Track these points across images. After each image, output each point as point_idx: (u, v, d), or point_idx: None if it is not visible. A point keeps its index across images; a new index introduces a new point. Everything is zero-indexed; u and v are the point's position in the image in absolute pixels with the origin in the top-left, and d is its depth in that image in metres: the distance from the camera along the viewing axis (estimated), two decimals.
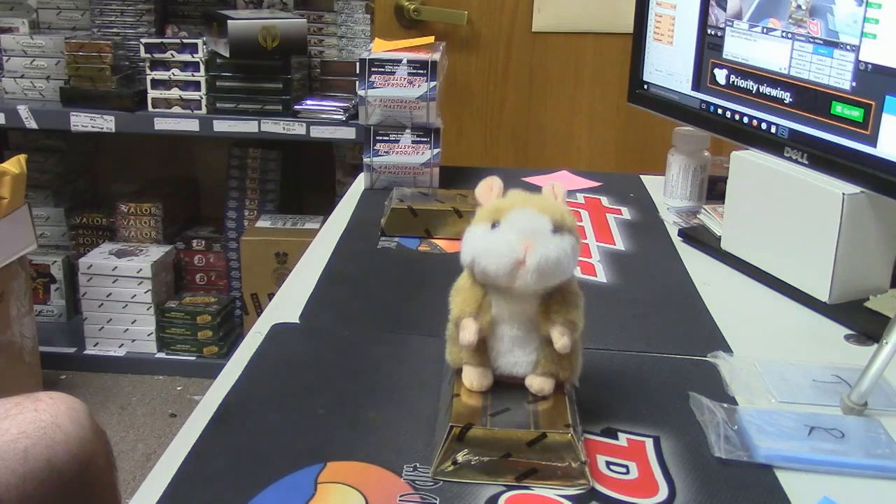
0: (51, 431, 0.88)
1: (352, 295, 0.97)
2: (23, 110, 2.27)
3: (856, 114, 0.90)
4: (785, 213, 0.98)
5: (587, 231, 1.17)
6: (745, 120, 1.06)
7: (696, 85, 1.14)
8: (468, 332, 0.66)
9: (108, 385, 2.41)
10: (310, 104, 2.26)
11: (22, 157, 1.91)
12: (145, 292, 2.40)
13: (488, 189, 0.68)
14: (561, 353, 0.66)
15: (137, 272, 2.38)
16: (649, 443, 0.69)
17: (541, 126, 2.00)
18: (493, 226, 0.65)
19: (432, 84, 1.24)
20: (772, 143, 1.02)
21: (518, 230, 0.64)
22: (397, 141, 1.27)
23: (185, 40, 2.27)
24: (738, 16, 1.05)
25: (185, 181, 2.71)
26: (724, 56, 1.08)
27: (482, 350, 0.68)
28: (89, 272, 2.39)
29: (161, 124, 2.27)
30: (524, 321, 0.68)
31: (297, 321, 0.89)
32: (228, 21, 2.14)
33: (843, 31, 0.90)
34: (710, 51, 1.11)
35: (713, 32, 1.10)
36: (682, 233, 1.16)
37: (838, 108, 0.92)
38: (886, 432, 0.71)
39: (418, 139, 1.27)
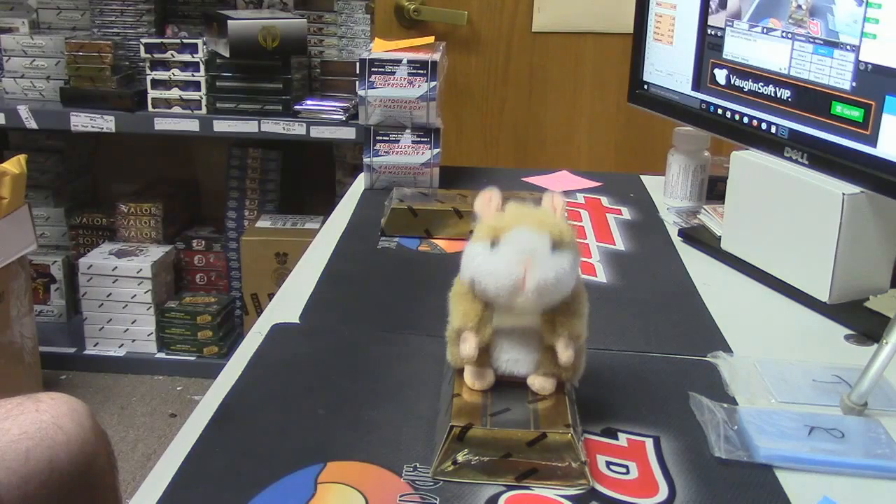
0: (52, 432, 0.88)
1: (352, 295, 0.97)
2: (23, 110, 2.27)
3: (856, 114, 0.90)
4: (785, 213, 0.98)
5: (587, 231, 1.17)
6: (745, 120, 1.06)
7: (696, 85, 1.14)
8: (469, 346, 0.66)
9: (108, 385, 2.41)
10: (310, 104, 2.26)
11: (22, 157, 1.91)
12: (145, 292, 2.40)
13: (487, 202, 0.68)
14: (565, 365, 0.67)
15: (137, 272, 2.38)
16: (649, 443, 0.69)
17: (541, 126, 2.00)
18: (493, 245, 0.65)
19: (432, 84, 1.24)
20: (772, 143, 1.02)
21: (517, 251, 0.64)
22: (397, 141, 1.27)
23: (185, 40, 2.27)
24: (738, 16, 1.05)
25: (185, 181, 2.71)
26: (724, 56, 1.08)
27: (483, 350, 0.68)
28: (89, 272, 2.39)
29: (161, 124, 2.27)
30: (526, 323, 0.68)
31: (297, 321, 0.89)
32: (228, 21, 2.14)
33: (843, 31, 0.90)
34: (710, 51, 1.11)
35: (713, 32, 1.10)
36: (682, 233, 1.16)
37: (838, 108, 0.92)
38: (886, 432, 0.71)
39: (418, 139, 1.27)
